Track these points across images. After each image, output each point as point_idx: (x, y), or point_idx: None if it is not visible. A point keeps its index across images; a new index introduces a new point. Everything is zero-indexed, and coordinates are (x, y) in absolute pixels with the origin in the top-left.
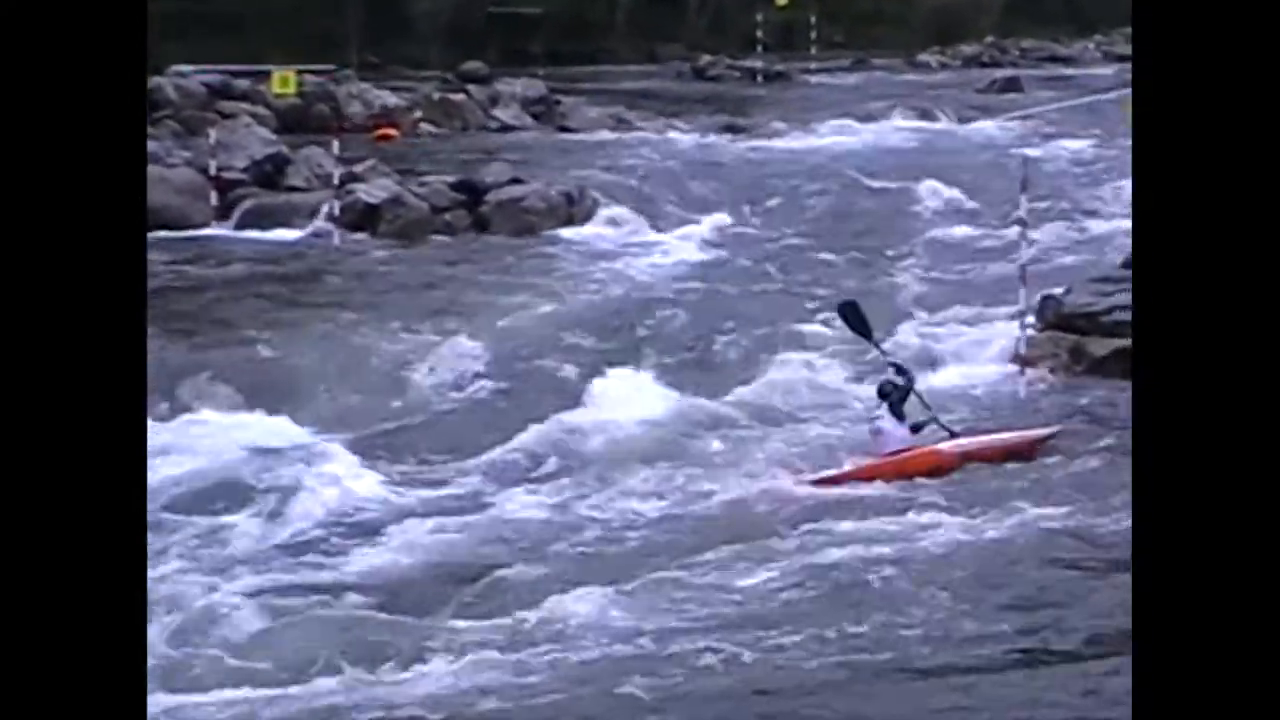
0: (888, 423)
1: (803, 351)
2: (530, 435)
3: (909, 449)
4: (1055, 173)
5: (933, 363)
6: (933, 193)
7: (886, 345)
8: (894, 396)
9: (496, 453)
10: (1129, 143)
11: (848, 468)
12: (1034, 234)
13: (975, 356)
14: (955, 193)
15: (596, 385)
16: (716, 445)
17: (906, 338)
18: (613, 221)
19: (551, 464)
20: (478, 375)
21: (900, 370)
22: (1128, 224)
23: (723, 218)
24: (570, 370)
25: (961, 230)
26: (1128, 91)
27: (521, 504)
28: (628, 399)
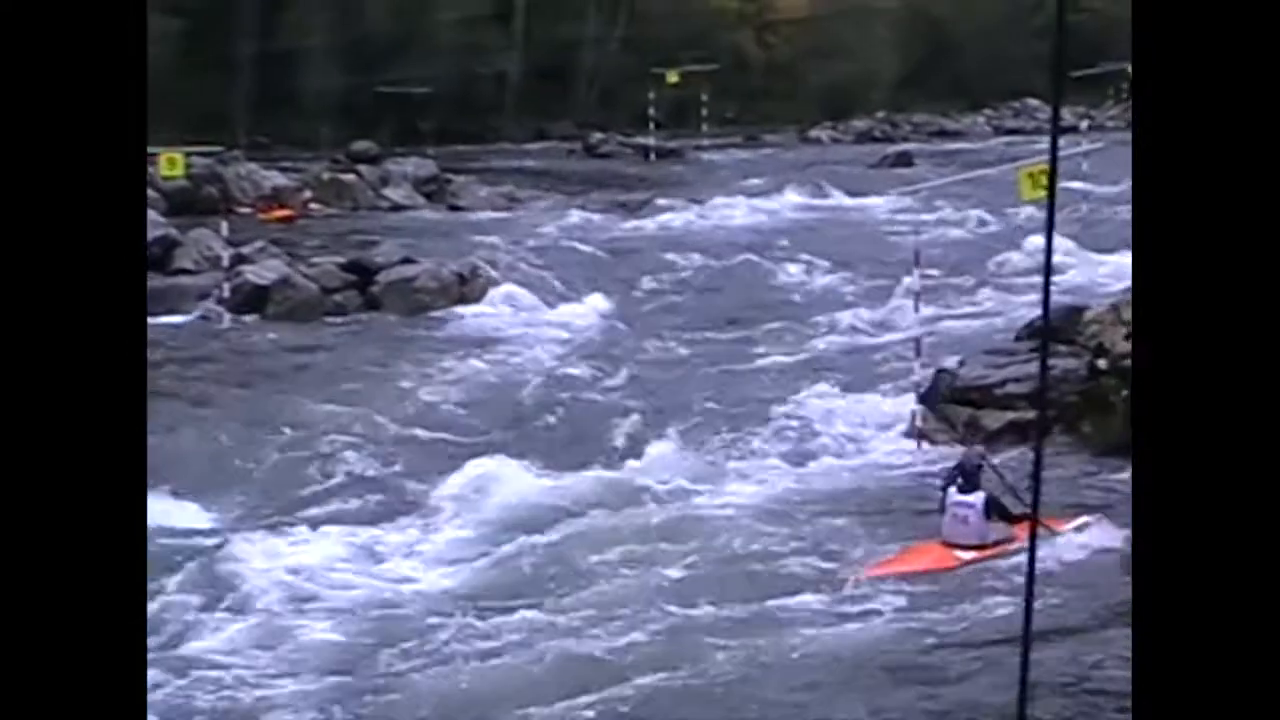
0: (974, 514)
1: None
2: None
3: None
4: (946, 245)
5: (836, 443)
6: (821, 267)
7: (783, 419)
8: (970, 476)
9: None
10: (1017, 214)
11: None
12: (926, 309)
13: (871, 435)
14: (844, 267)
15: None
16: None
17: (805, 411)
18: (505, 299)
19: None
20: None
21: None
22: (1021, 297)
23: (602, 301)
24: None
25: (854, 304)
26: (1017, 164)
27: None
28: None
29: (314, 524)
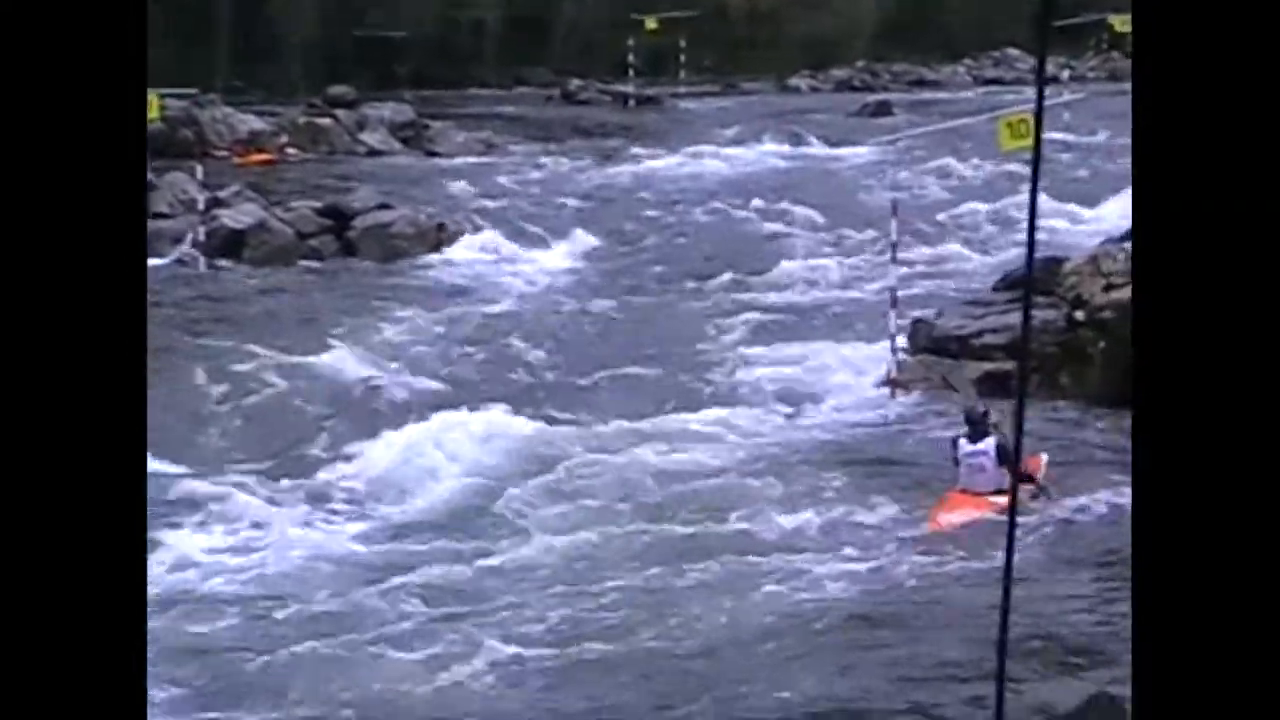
0: (988, 460)
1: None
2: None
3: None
4: (926, 196)
5: (809, 397)
6: (799, 216)
7: (756, 368)
8: (979, 425)
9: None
10: (998, 167)
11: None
12: (905, 257)
13: (848, 384)
14: (822, 218)
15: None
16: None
17: (774, 370)
18: (481, 246)
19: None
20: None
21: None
22: (1003, 246)
23: (588, 240)
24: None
25: (829, 255)
26: (997, 114)
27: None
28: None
29: (274, 475)
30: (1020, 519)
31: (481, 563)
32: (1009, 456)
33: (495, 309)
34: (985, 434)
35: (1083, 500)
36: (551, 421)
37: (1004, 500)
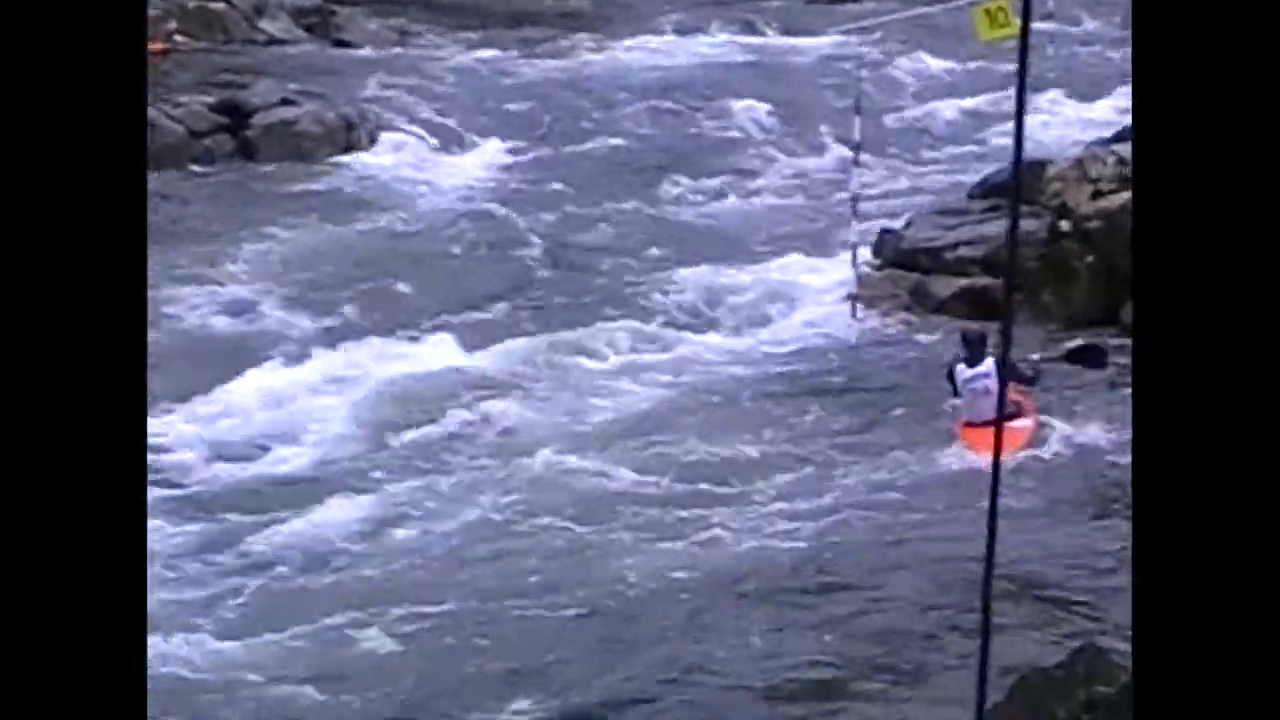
0: (992, 382)
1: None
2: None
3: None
4: (892, 90)
5: (760, 318)
6: (753, 116)
7: (704, 285)
8: (978, 347)
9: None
10: (983, 63)
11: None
12: (869, 161)
13: (809, 300)
14: (777, 116)
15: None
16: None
17: (731, 280)
18: (395, 148)
19: None
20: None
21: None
22: (978, 149)
23: (516, 144)
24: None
25: (788, 157)
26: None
27: None
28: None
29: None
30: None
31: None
32: (1013, 372)
33: (406, 225)
34: (983, 356)
35: (1074, 434)
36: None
37: (1025, 425)
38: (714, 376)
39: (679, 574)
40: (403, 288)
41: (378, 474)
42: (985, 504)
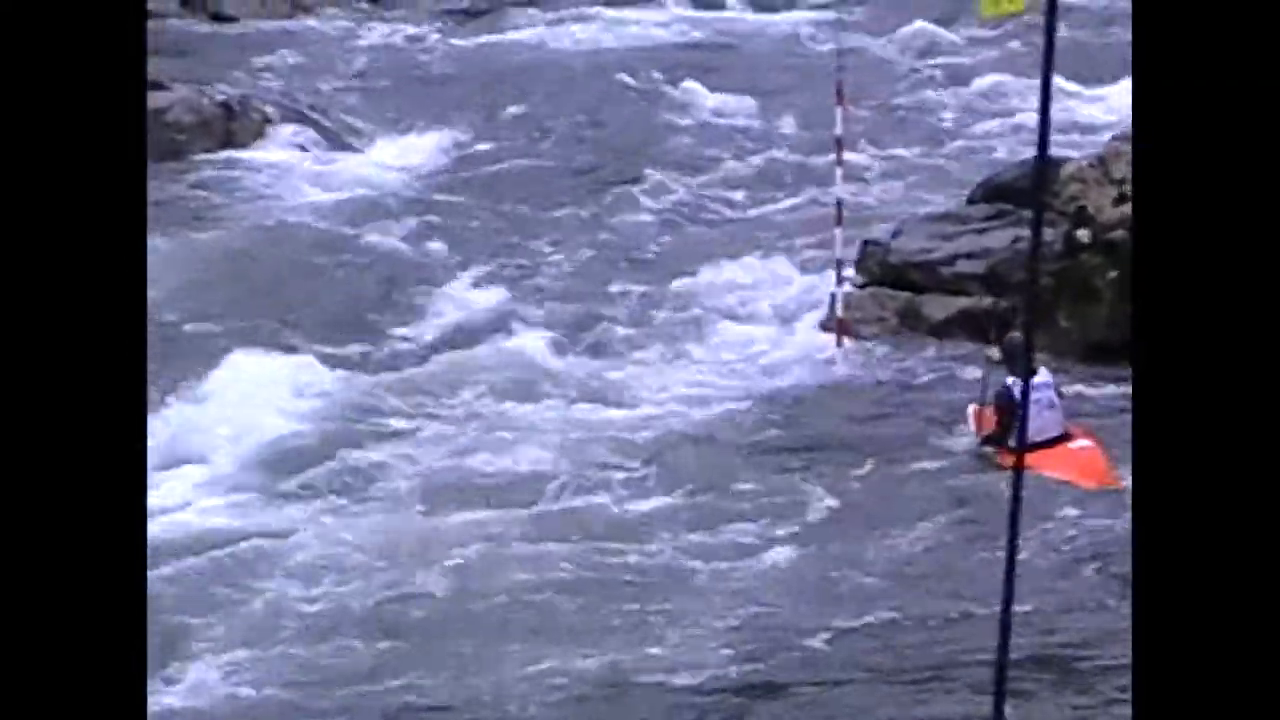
0: (1053, 394)
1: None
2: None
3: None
4: (878, 75)
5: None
6: (710, 104)
7: (662, 304)
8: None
9: None
10: (983, 44)
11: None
12: (850, 158)
13: (778, 327)
14: (746, 102)
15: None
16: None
17: (680, 288)
18: (286, 142)
19: None
20: None
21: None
22: (979, 144)
23: (436, 137)
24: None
25: (753, 153)
26: None
27: None
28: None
29: None
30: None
31: None
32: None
33: (284, 238)
34: (1032, 369)
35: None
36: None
37: (1089, 446)
38: (671, 412)
39: None
40: (273, 313)
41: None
42: None
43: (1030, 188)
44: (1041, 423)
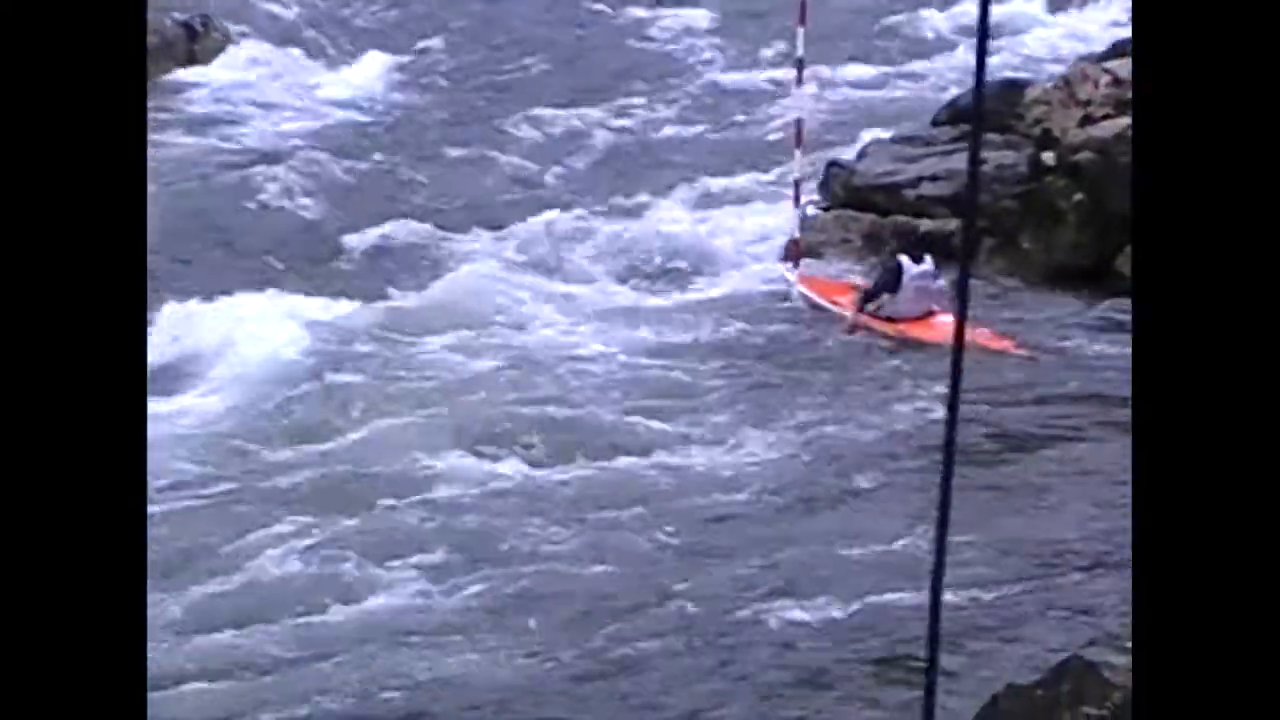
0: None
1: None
2: None
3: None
4: None
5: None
6: (675, 21)
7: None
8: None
9: None
10: None
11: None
12: (814, 79)
13: (739, 251)
14: (702, 18)
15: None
16: None
17: (653, 222)
18: (251, 61)
19: None
20: None
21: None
22: (944, 64)
23: (382, 63)
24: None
25: (718, 73)
26: None
27: None
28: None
29: None
30: None
31: None
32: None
33: (243, 160)
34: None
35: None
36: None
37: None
38: (628, 349)
39: None
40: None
41: None
42: None
43: (971, 111)
44: (916, 304)
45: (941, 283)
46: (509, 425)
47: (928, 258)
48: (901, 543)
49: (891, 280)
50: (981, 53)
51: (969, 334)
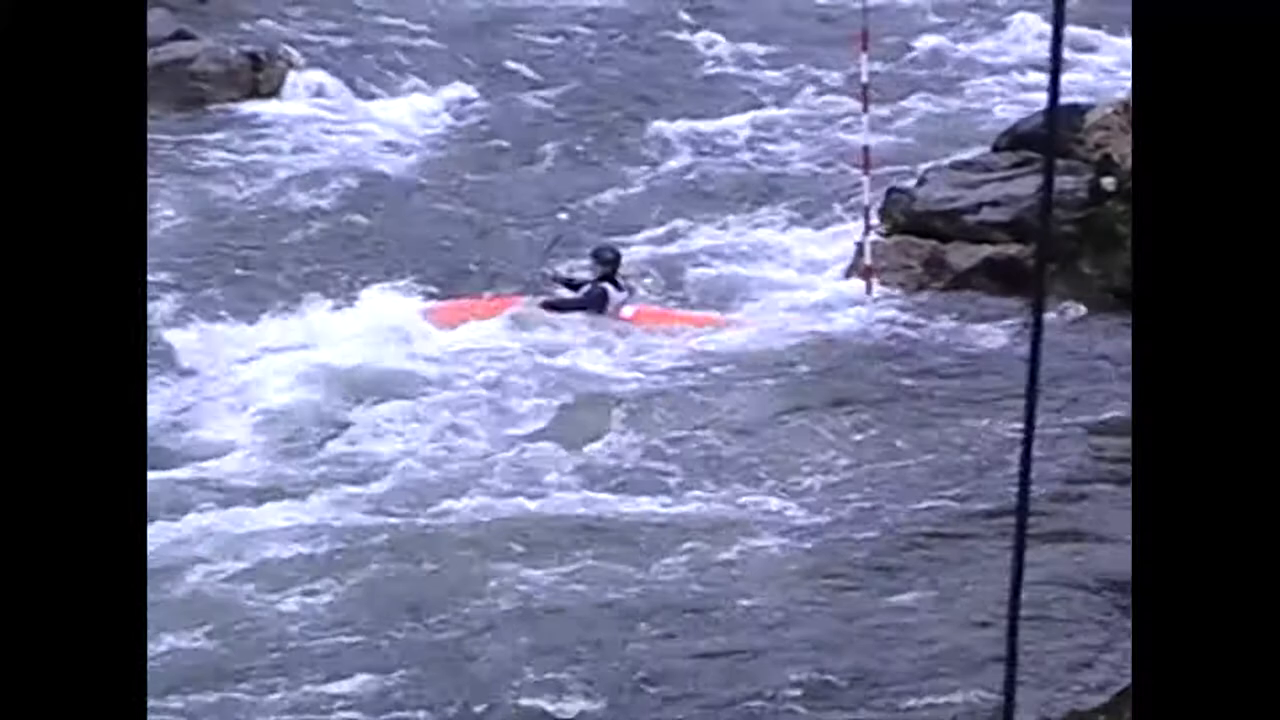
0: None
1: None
2: None
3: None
4: (903, 19)
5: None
6: (716, 48)
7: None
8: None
9: None
10: None
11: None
12: (879, 108)
13: (803, 276)
14: (753, 48)
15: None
16: None
17: (697, 243)
18: (309, 91)
19: None
20: None
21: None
22: (1008, 91)
23: (462, 89)
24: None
25: (771, 99)
26: None
27: None
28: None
29: None
30: None
31: None
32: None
33: (326, 169)
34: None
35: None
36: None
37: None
38: (701, 359)
39: None
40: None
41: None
42: None
43: (1044, 137)
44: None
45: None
46: None
47: (626, 289)
48: None
49: (598, 303)
50: (1055, 81)
51: (632, 314)
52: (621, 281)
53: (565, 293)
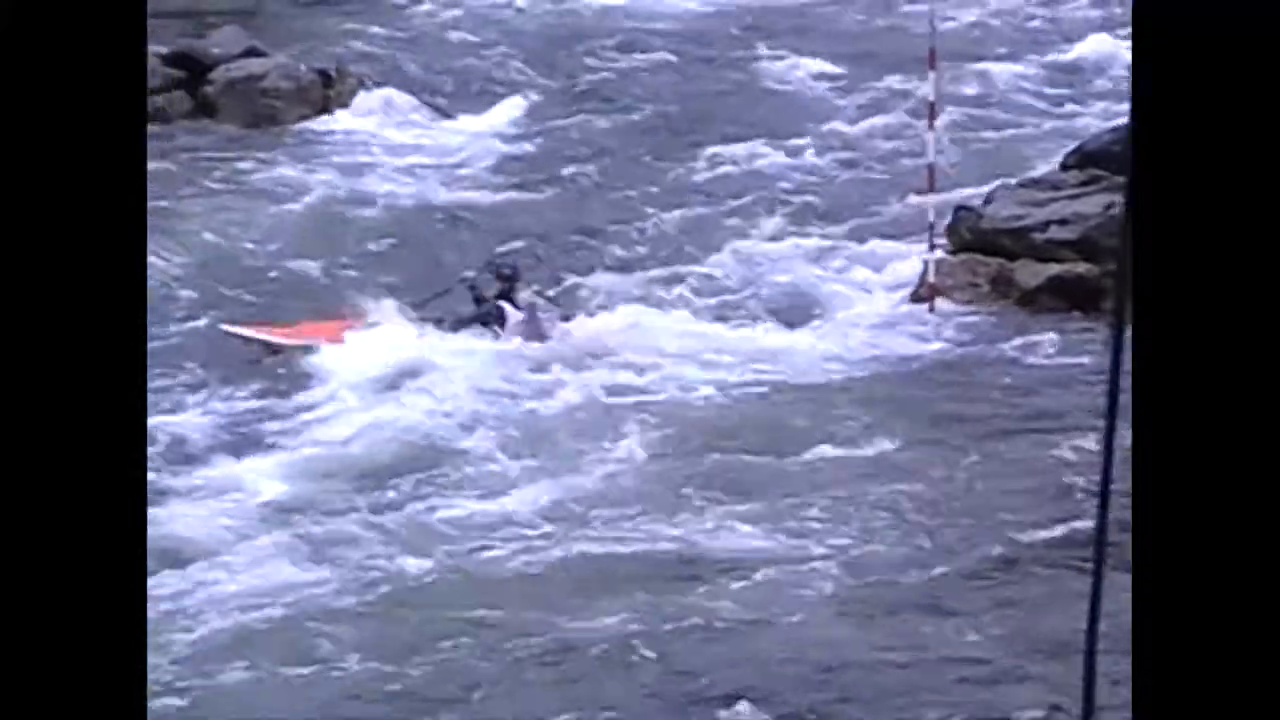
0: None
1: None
2: None
3: None
4: (975, 36)
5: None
6: (794, 68)
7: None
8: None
9: None
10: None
11: None
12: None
13: (870, 295)
14: (827, 67)
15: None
16: None
17: (771, 269)
18: (383, 106)
19: None
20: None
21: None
22: (1076, 108)
23: (520, 101)
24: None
25: (840, 118)
26: None
27: None
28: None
29: None
30: None
31: None
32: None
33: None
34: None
35: None
36: None
37: None
38: (768, 378)
39: None
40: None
41: None
42: None
43: (1121, 153)
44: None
45: (544, 315)
46: None
47: (524, 307)
48: None
49: (497, 319)
50: (1135, 97)
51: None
52: (519, 300)
53: (469, 307)
